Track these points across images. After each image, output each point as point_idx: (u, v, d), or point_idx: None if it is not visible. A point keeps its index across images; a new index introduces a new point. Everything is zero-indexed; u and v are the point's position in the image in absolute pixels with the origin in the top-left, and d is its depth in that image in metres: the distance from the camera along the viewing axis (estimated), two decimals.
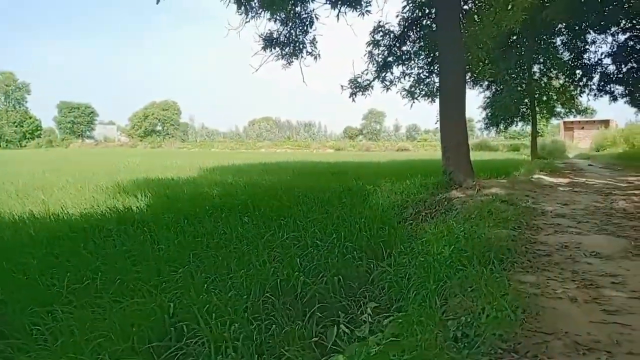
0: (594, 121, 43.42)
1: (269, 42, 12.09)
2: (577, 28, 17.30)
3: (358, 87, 13.55)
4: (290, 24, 11.98)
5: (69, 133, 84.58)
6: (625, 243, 4.69)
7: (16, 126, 79.09)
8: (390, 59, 13.46)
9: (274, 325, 3.13)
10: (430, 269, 3.71)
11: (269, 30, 12.20)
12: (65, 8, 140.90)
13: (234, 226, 5.74)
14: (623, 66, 17.07)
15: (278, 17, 11.61)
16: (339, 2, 11.14)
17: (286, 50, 12.27)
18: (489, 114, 23.60)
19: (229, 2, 9.89)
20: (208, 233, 5.51)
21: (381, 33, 13.25)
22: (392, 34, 13.24)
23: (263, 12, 11.00)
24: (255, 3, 10.39)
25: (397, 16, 13.08)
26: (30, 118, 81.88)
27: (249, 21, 11.17)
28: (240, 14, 10.78)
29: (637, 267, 3.86)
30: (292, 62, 12.42)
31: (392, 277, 4.05)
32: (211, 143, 76.76)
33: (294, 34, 12.15)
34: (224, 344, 2.87)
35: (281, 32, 12.16)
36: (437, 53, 11.65)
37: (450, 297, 3.24)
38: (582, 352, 2.35)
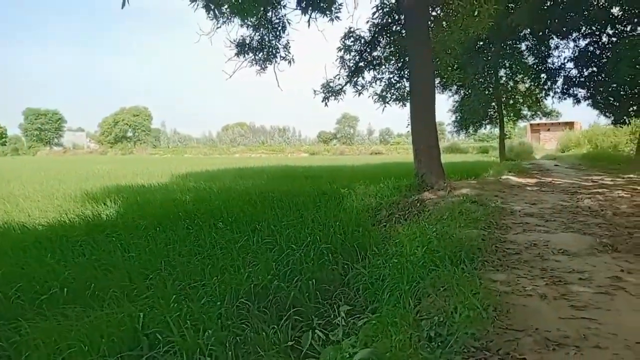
0: (559, 123, 45.04)
1: (242, 47, 12.04)
2: (540, 34, 17.88)
3: (330, 91, 13.61)
4: (262, 30, 11.96)
5: (36, 140, 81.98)
6: (591, 240, 4.85)
7: None
8: (361, 64, 13.58)
9: (248, 330, 3.10)
10: (403, 269, 3.75)
11: (241, 36, 12.17)
12: (30, 11, 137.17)
13: (207, 232, 5.66)
14: (585, 70, 17.71)
15: (249, 23, 11.57)
16: (309, 8, 11.18)
17: (259, 55, 12.25)
18: (459, 117, 24.17)
19: (197, 6, 9.78)
20: (180, 240, 5.41)
21: (352, 38, 13.37)
22: (362, 40, 13.38)
23: (234, 18, 10.95)
24: (225, 8, 10.32)
25: (367, 22, 13.23)
26: None
27: (220, 27, 11.10)
28: (211, 19, 10.70)
29: (603, 263, 4.00)
30: (266, 67, 12.42)
31: (366, 279, 4.08)
32: (184, 149, 75.84)
33: (266, 40, 12.13)
34: (197, 352, 2.82)
35: (253, 37, 12.13)
36: (407, 58, 11.83)
37: (424, 297, 3.28)
38: (552, 347, 2.41)
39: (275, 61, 12.30)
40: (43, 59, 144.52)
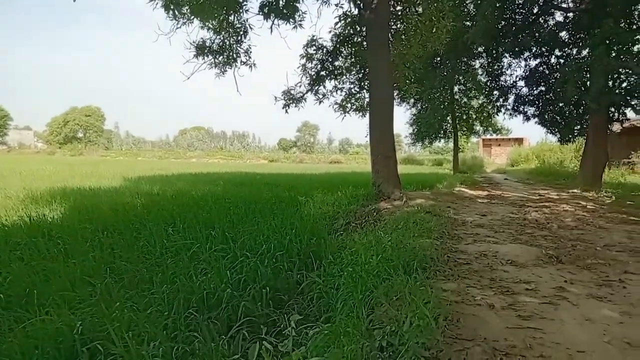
0: (510, 139, 47.22)
1: (202, 49, 11.82)
2: (494, 52, 18.62)
3: (292, 99, 13.58)
4: (223, 33, 11.80)
5: None
6: (537, 251, 5.04)
7: None
8: (322, 73, 13.63)
9: (197, 342, 2.97)
10: (358, 278, 3.73)
11: (202, 38, 11.97)
12: None
13: (158, 238, 5.44)
14: (534, 89, 18.53)
15: (210, 25, 11.40)
16: (272, 14, 11.14)
17: (219, 58, 12.06)
18: (415, 130, 24.80)
19: (156, 5, 9.54)
20: (128, 245, 5.18)
21: (314, 47, 13.42)
22: (324, 49, 13.45)
23: (194, 19, 10.76)
24: (185, 9, 10.12)
25: (329, 32, 13.35)
26: None
27: (180, 27, 10.87)
28: (171, 20, 10.47)
29: (548, 274, 4.15)
30: (226, 71, 12.23)
31: (321, 287, 4.03)
32: (138, 152, 73.43)
33: (227, 43, 11.98)
34: None
35: (214, 40, 11.95)
36: (367, 69, 11.99)
37: (377, 306, 3.27)
38: (500, 357, 2.45)
39: (236, 65, 12.16)
40: None
